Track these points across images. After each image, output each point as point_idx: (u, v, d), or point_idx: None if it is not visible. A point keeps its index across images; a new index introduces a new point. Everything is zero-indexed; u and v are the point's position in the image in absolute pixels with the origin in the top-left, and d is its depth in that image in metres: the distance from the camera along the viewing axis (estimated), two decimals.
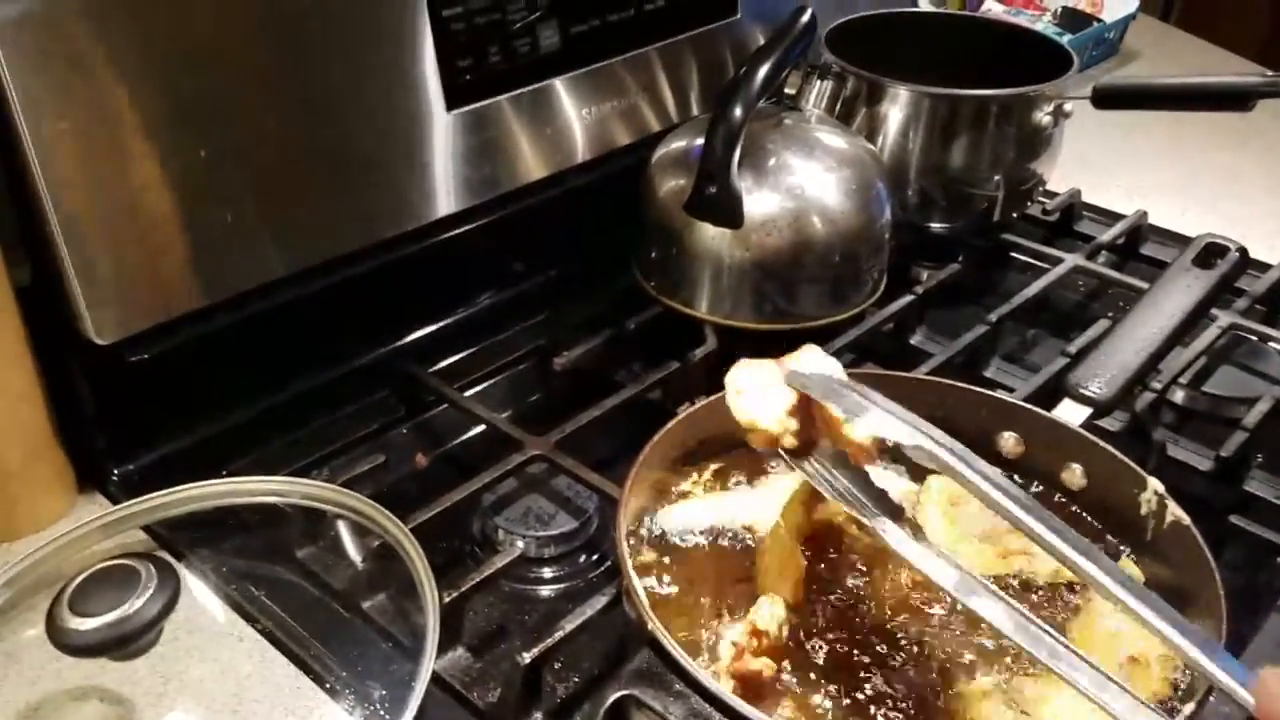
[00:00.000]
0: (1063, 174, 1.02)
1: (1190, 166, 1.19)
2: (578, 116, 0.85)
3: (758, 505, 0.65)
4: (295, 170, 0.69)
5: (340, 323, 0.79)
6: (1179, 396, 0.82)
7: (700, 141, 0.78)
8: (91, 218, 0.62)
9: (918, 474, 0.67)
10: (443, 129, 0.76)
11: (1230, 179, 1.17)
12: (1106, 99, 0.90)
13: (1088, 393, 0.66)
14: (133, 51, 0.61)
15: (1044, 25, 1.40)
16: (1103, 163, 1.17)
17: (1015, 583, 0.61)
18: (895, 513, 0.55)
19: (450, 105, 0.75)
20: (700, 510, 0.65)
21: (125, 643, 0.53)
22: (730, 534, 0.63)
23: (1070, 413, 0.66)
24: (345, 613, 0.63)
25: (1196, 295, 0.73)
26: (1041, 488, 0.67)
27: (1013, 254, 0.98)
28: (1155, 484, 0.60)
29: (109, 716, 0.56)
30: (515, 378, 0.87)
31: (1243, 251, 0.78)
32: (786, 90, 0.85)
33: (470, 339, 0.87)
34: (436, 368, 0.83)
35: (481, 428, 0.79)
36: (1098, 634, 0.57)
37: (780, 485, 0.66)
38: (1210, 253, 0.77)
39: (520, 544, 0.69)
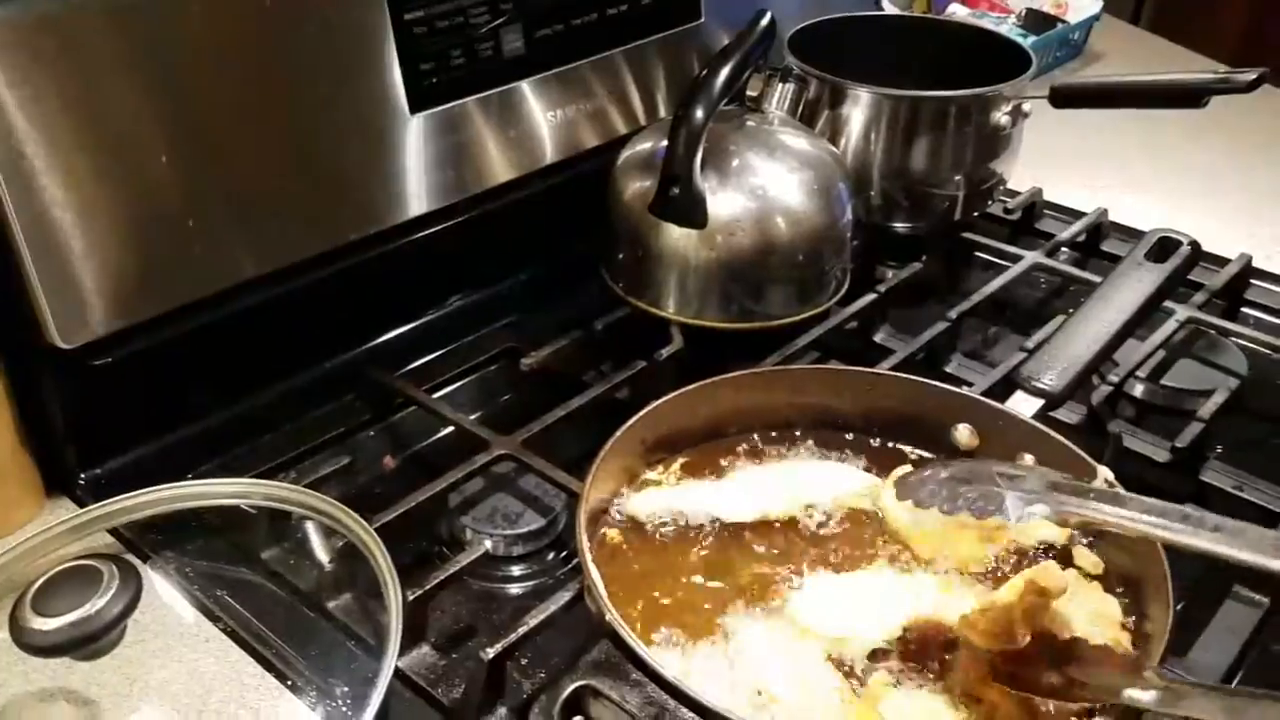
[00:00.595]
0: (1029, 173, 1.03)
1: (1156, 164, 1.21)
2: (544, 120, 0.86)
3: (722, 498, 0.66)
4: (260, 173, 0.70)
5: (308, 326, 0.80)
6: (1138, 390, 0.83)
7: (664, 144, 0.79)
8: (54, 223, 0.62)
9: (880, 469, 0.68)
10: (408, 131, 0.76)
11: (1194, 175, 1.19)
12: (1064, 98, 0.92)
13: (1040, 385, 0.67)
14: (95, 59, 0.61)
15: (1008, 28, 1.41)
16: (1069, 161, 1.18)
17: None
18: None
19: (414, 108, 0.76)
20: (668, 498, 0.66)
21: (87, 642, 0.54)
22: (695, 523, 0.64)
23: (1023, 405, 0.67)
24: (310, 612, 0.63)
25: (1149, 289, 0.75)
26: None
27: (975, 252, 0.99)
28: (1105, 472, 0.61)
29: (76, 717, 0.56)
30: (485, 379, 0.88)
31: (1194, 245, 0.79)
32: (749, 93, 0.86)
33: (439, 341, 0.87)
34: (405, 370, 0.84)
35: (449, 429, 0.79)
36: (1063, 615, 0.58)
37: (746, 478, 0.68)
38: (1163, 247, 0.79)
39: (487, 543, 0.69)
